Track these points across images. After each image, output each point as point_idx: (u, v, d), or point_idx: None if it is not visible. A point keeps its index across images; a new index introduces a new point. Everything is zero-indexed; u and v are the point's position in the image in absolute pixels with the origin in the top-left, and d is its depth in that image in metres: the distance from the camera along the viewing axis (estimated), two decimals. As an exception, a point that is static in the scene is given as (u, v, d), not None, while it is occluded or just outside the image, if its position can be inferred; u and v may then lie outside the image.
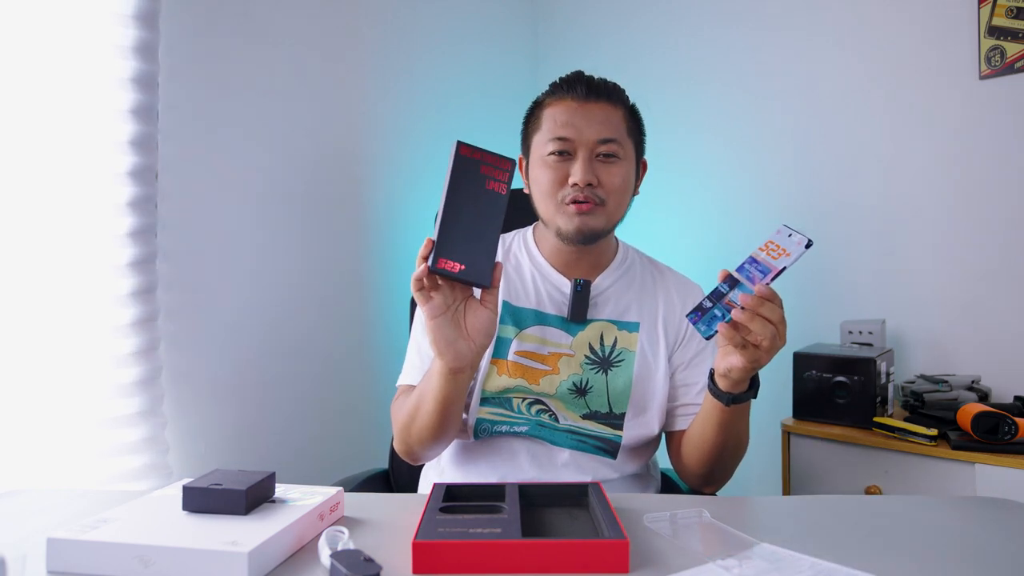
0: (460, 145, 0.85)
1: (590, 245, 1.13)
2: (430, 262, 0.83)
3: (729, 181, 2.05)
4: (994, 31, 1.63)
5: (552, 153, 1.10)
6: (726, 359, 0.92)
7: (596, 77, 1.14)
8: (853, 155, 1.84)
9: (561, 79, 1.15)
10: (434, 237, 0.84)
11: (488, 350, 1.10)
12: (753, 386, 0.97)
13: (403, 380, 1.15)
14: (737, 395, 0.96)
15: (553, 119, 1.11)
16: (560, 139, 1.09)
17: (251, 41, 1.59)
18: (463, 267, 0.83)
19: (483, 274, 0.85)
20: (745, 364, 0.89)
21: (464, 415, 1.10)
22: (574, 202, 1.08)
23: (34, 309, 1.24)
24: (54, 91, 1.25)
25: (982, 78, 1.65)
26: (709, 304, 0.90)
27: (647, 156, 1.21)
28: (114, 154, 1.33)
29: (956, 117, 1.69)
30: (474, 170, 0.85)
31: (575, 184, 1.07)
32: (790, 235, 0.88)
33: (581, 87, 1.12)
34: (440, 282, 0.87)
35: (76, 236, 1.29)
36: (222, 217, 1.55)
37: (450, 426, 1.01)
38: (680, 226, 2.13)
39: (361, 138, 1.85)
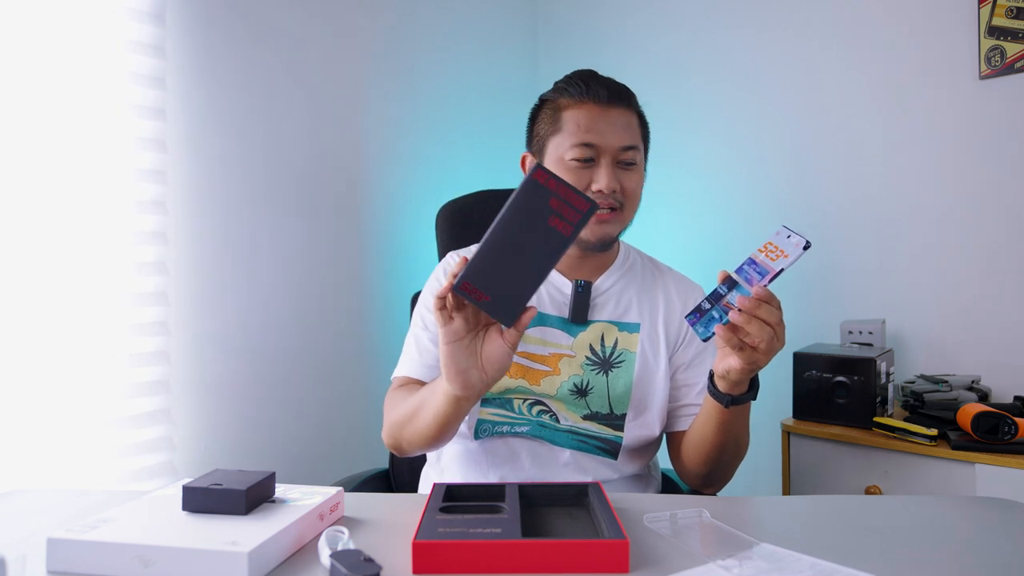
0: (538, 169, 0.77)
1: (605, 251, 1.15)
2: (456, 280, 0.77)
3: (729, 181, 2.05)
4: (994, 31, 1.63)
5: (575, 159, 1.09)
6: (724, 360, 0.92)
7: (611, 80, 1.14)
8: (853, 155, 1.84)
9: (579, 79, 1.13)
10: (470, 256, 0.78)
11: None
12: (753, 387, 0.97)
13: (399, 372, 1.15)
14: (736, 396, 0.95)
15: (576, 123, 1.09)
16: (586, 145, 1.08)
17: (251, 42, 1.59)
18: (488, 299, 0.76)
19: (508, 313, 0.78)
20: (743, 366, 0.89)
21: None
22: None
23: (43, 309, 1.24)
24: (65, 90, 1.26)
25: (982, 78, 1.65)
26: (708, 306, 0.89)
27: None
28: (127, 153, 1.34)
29: (956, 117, 1.69)
30: (542, 200, 0.77)
31: (599, 191, 1.08)
32: (789, 236, 0.87)
33: (602, 91, 1.10)
34: (464, 304, 0.81)
35: (85, 235, 1.29)
36: (222, 218, 1.55)
37: (444, 439, 1.00)
38: (680, 226, 2.13)
39: (361, 139, 1.85)
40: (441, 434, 0.98)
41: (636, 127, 1.13)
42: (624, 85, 1.15)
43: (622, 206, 1.11)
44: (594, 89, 1.10)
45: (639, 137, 1.13)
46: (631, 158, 1.10)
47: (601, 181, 1.07)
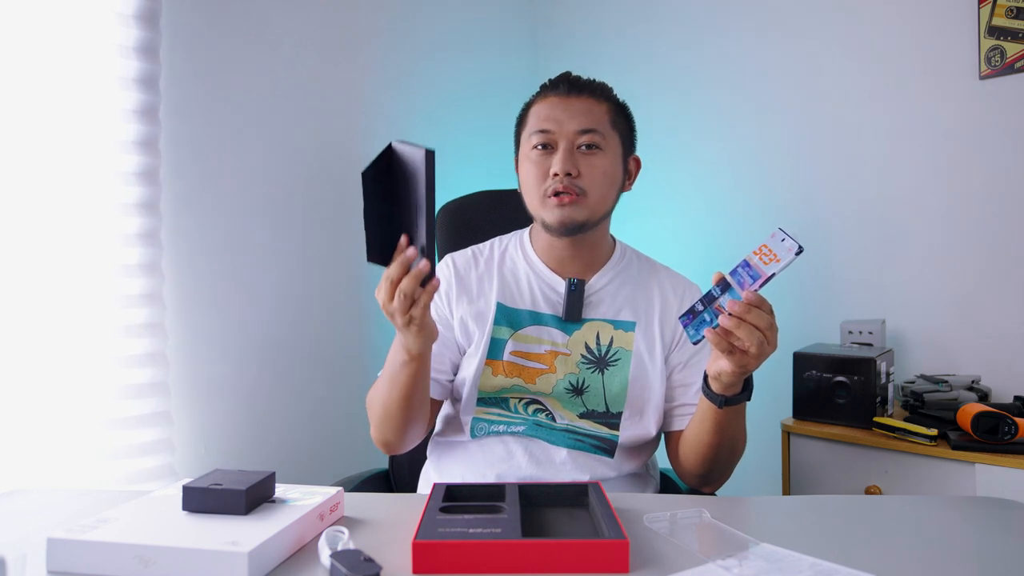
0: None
1: (575, 237, 1.13)
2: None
3: (728, 182, 2.05)
4: (994, 31, 1.63)
5: (535, 147, 1.12)
6: (716, 363, 0.92)
7: (581, 77, 1.16)
8: (853, 155, 1.84)
9: (549, 79, 1.17)
10: (422, 245, 0.82)
11: (483, 352, 1.11)
12: (747, 388, 0.97)
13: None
14: (730, 397, 0.95)
15: (537, 115, 1.14)
16: (542, 131, 1.11)
17: (251, 42, 1.59)
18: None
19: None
20: (733, 369, 0.89)
21: (460, 415, 1.11)
22: (555, 194, 1.09)
23: (38, 311, 1.24)
24: (58, 92, 1.25)
25: (982, 78, 1.65)
26: (700, 308, 0.89)
27: (641, 154, 1.21)
28: (119, 155, 1.34)
29: (956, 117, 1.69)
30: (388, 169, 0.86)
31: (555, 175, 1.08)
32: (783, 240, 0.84)
33: (564, 84, 1.14)
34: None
35: (80, 238, 1.29)
36: (222, 219, 1.55)
37: (412, 414, 1.01)
38: (679, 226, 2.13)
39: (361, 139, 1.85)
40: (407, 406, 0.99)
41: (601, 114, 1.13)
42: (596, 81, 1.16)
43: (584, 191, 1.09)
44: (557, 84, 1.15)
45: (604, 123, 1.12)
46: (591, 141, 1.10)
47: (556, 165, 1.09)
